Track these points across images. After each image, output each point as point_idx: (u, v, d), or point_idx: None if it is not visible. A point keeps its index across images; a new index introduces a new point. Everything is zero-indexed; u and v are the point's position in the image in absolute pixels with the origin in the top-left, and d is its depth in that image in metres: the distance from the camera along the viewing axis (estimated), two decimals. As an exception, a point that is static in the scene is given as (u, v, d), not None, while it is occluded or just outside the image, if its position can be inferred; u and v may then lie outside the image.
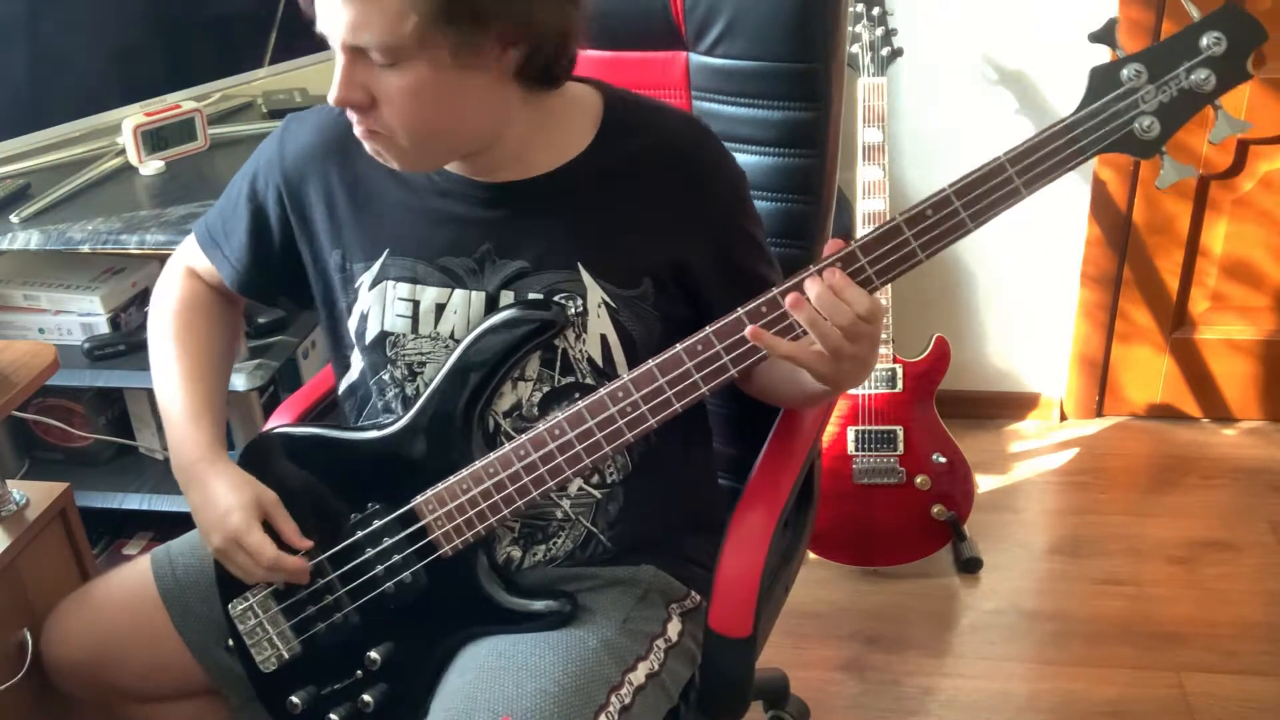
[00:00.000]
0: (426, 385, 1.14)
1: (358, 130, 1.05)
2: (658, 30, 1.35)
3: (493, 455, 1.11)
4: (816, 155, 1.31)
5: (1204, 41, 0.95)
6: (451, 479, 1.12)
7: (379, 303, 1.16)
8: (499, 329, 1.10)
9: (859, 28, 2.05)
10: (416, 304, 1.14)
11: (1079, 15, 2.22)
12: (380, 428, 1.16)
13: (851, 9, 2.05)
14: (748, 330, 1.02)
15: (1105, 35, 0.99)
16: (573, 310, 1.11)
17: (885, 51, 2.05)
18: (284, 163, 1.20)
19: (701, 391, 1.06)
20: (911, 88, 2.32)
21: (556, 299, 1.11)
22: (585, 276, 1.11)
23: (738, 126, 1.33)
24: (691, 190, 1.13)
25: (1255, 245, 2.40)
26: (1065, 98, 2.30)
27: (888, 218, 2.05)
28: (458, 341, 1.13)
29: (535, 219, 1.12)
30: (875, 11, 2.05)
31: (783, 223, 1.34)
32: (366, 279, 1.17)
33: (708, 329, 1.05)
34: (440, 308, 1.14)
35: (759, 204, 1.33)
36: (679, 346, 1.06)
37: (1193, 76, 0.96)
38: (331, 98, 1.01)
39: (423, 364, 1.16)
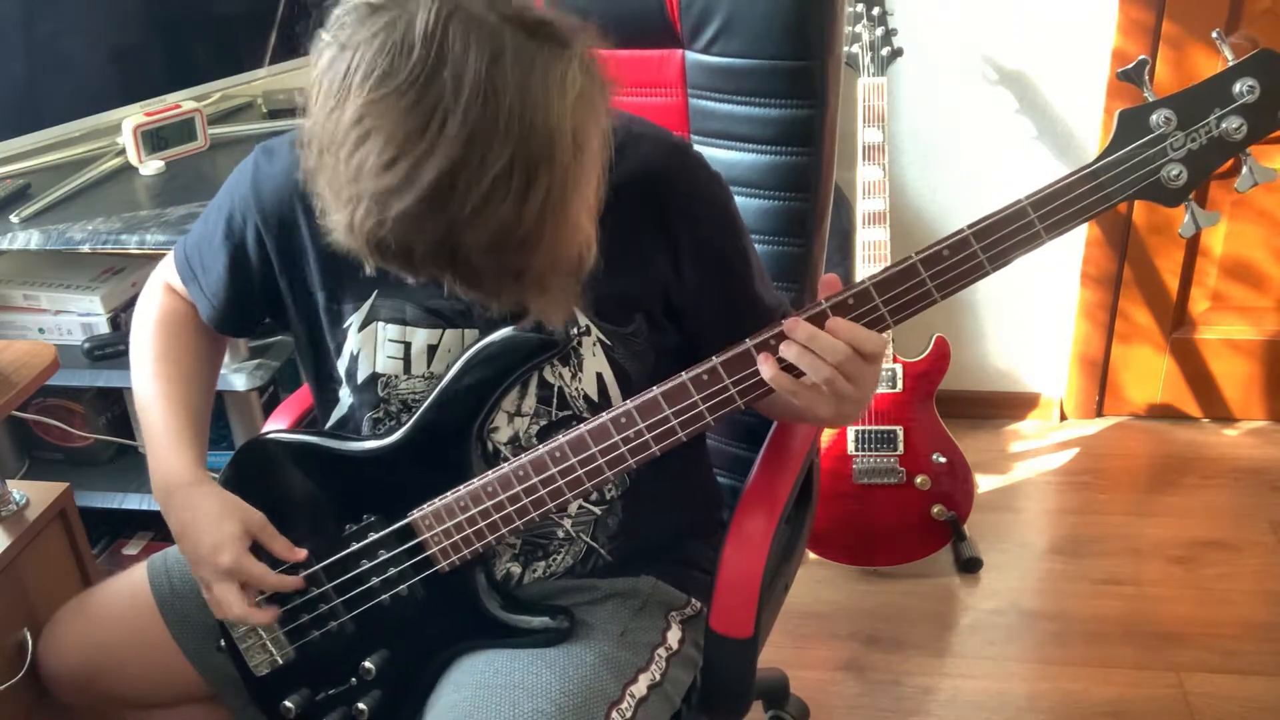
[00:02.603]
0: None
1: None
2: (654, 28, 1.34)
3: (492, 474, 1.09)
4: (814, 152, 1.31)
5: (1237, 88, 0.92)
6: (450, 495, 1.10)
7: (369, 344, 1.14)
8: (499, 346, 1.08)
9: (859, 28, 2.05)
10: (408, 345, 1.12)
11: (1079, 15, 2.22)
12: (377, 439, 1.15)
13: (851, 9, 2.05)
14: (759, 357, 0.99)
15: (1134, 75, 0.96)
16: (574, 331, 1.09)
17: (885, 51, 2.05)
18: (260, 202, 1.14)
19: (706, 421, 1.04)
20: (911, 88, 2.32)
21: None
22: (578, 316, 1.09)
23: (735, 124, 1.33)
24: (672, 217, 1.09)
25: (1255, 245, 2.40)
26: (1065, 98, 2.30)
27: (888, 218, 2.08)
28: None
29: None
30: (875, 11, 2.05)
31: (780, 220, 1.33)
32: (356, 320, 1.14)
33: (715, 360, 1.02)
34: (432, 349, 1.12)
35: (756, 202, 1.33)
36: (685, 376, 1.03)
37: (1224, 124, 0.93)
38: None
39: (417, 402, 1.13)
